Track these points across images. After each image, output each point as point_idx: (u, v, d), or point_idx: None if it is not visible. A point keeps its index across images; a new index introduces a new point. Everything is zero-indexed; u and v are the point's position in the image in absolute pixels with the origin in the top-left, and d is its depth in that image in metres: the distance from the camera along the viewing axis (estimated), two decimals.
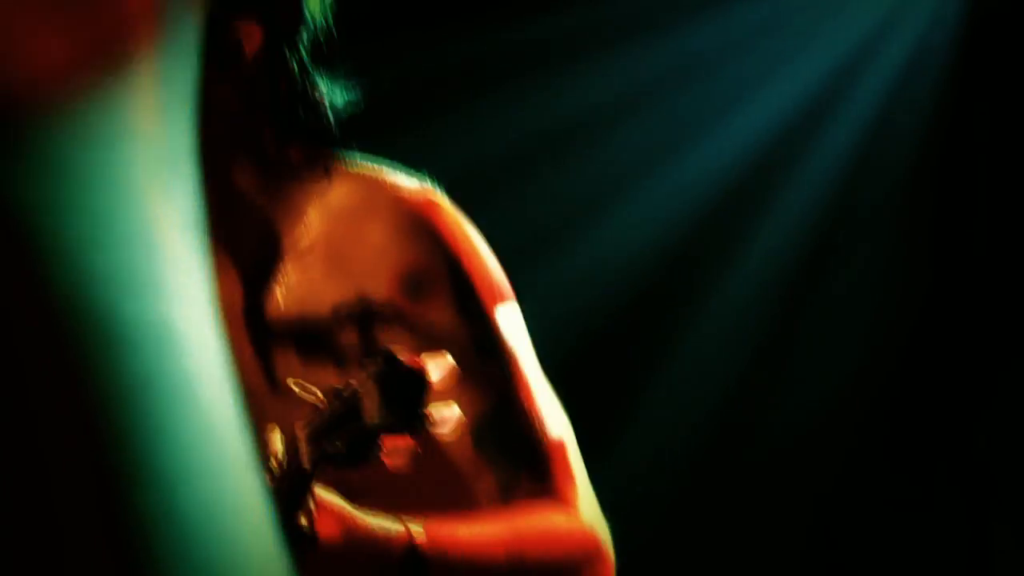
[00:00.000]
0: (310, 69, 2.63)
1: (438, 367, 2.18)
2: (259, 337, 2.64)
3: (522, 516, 2.49)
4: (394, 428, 2.16)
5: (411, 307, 2.52)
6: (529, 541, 2.46)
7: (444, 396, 2.20)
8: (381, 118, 2.74)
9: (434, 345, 2.47)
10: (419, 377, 2.16)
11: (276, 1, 2.59)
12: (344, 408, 2.19)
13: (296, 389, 2.24)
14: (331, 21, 2.67)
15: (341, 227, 2.57)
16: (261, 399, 2.63)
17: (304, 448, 2.21)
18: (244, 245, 2.63)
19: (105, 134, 0.84)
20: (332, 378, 2.52)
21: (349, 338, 2.54)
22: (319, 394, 2.24)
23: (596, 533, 2.53)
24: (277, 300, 2.61)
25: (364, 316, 2.53)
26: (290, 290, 2.60)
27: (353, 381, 2.19)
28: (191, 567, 0.82)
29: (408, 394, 2.15)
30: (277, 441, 2.27)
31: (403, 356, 2.17)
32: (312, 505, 2.25)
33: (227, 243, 2.63)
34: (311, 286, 2.58)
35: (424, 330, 2.52)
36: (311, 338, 2.58)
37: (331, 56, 2.67)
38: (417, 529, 2.35)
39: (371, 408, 2.14)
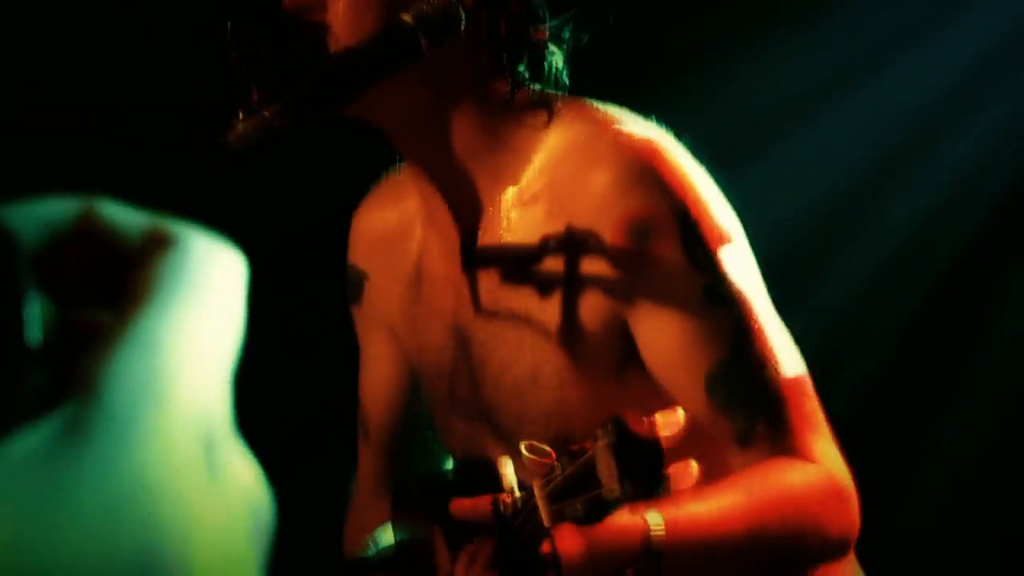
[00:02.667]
0: (532, 7, 2.59)
1: (670, 424, 2.12)
2: (471, 265, 2.62)
3: (759, 481, 2.40)
4: (634, 499, 2.12)
5: (636, 253, 2.46)
6: (769, 508, 2.38)
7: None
8: (603, 58, 2.68)
9: (660, 291, 2.44)
10: (654, 446, 2.11)
11: None
12: (580, 471, 2.16)
13: (527, 453, 2.23)
14: None
15: (564, 171, 2.52)
16: (467, 322, 2.64)
17: (543, 506, 2.19)
18: (465, 182, 2.61)
19: None
20: (535, 302, 2.52)
21: (557, 267, 2.50)
22: (552, 454, 2.22)
23: (836, 478, 2.45)
24: (495, 233, 2.59)
25: (577, 248, 2.49)
26: (510, 228, 2.57)
27: (587, 445, 2.16)
28: None
29: (645, 462, 2.11)
30: (511, 475, 2.27)
31: (634, 422, 2.11)
32: (551, 533, 2.23)
33: (447, 179, 2.61)
34: (532, 226, 2.54)
35: (649, 276, 2.46)
36: (521, 266, 2.55)
37: None
38: (656, 519, 2.30)
39: (607, 475, 2.09)
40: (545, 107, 2.58)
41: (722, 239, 2.49)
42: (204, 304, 0.91)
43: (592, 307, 2.49)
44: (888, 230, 4.78)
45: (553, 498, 2.17)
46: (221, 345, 0.92)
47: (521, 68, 2.58)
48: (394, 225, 2.80)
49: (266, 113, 2.28)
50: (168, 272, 0.91)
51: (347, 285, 2.93)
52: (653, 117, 2.58)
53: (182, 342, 0.89)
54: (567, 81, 2.63)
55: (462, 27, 2.45)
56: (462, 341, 2.65)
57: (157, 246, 0.93)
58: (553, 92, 2.61)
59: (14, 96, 2.22)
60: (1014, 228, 4.68)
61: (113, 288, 0.91)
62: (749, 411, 2.45)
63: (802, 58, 4.73)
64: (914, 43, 4.73)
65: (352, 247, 2.91)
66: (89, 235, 0.94)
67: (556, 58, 2.61)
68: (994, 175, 4.72)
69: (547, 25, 2.59)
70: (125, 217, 0.94)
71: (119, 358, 0.86)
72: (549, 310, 2.52)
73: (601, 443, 2.09)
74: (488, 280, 2.60)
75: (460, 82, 2.56)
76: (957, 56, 4.71)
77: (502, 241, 2.57)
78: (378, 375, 2.91)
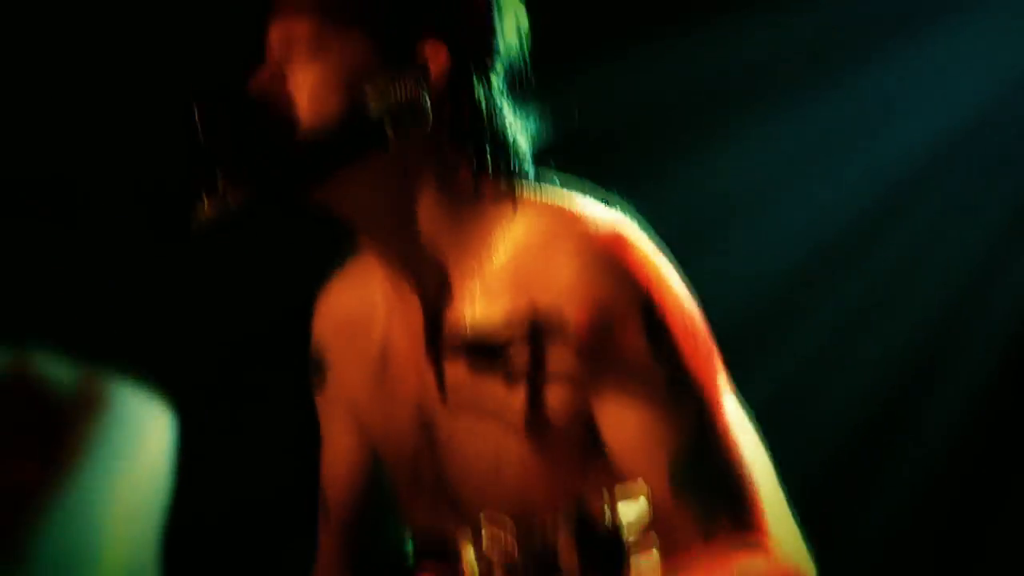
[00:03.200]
0: (498, 96, 2.62)
1: (632, 511, 2.12)
2: (436, 353, 2.62)
3: (720, 571, 2.41)
4: None
5: (601, 343, 2.46)
6: None
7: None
8: (572, 146, 2.70)
9: (624, 380, 2.45)
10: (617, 535, 2.10)
11: (465, 21, 2.59)
12: (541, 559, 2.15)
13: (486, 524, 2.22)
14: (526, 47, 2.66)
15: (529, 260, 2.53)
16: (431, 409, 2.63)
17: None
18: (429, 269, 2.61)
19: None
20: (500, 391, 2.52)
21: (523, 357, 2.50)
22: (511, 525, 2.20)
23: (797, 568, 2.45)
24: (460, 321, 2.59)
25: (543, 337, 2.49)
26: (475, 316, 2.57)
27: (549, 532, 2.15)
28: None
29: (606, 551, 2.10)
30: (471, 559, 2.25)
31: (598, 510, 2.11)
32: None
33: (412, 266, 2.62)
34: (497, 314, 2.54)
35: (614, 367, 2.46)
36: (487, 355, 2.54)
37: (524, 83, 2.66)
38: None
39: (570, 561, 2.09)
40: (510, 197, 2.59)
41: (686, 329, 2.49)
42: (134, 465, 0.90)
43: (557, 396, 2.49)
44: (844, 311, 4.82)
45: None
46: (150, 506, 0.92)
47: (486, 157, 2.59)
48: (358, 310, 2.80)
49: (231, 198, 2.28)
50: (100, 433, 0.90)
51: (310, 369, 2.91)
52: (617, 204, 2.59)
53: (112, 504, 0.88)
54: (532, 170, 2.64)
55: (428, 118, 2.47)
56: (426, 427, 2.65)
57: (89, 405, 0.92)
58: (518, 181, 2.62)
59: None
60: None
61: (44, 444, 0.90)
62: (712, 500, 2.45)
63: (766, 147, 4.78)
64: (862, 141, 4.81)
65: (316, 332, 2.90)
66: (22, 389, 0.93)
67: (521, 147, 2.62)
68: (948, 255, 4.77)
69: (512, 115, 2.61)
70: (58, 371, 0.93)
71: (49, 519, 0.85)
72: (514, 398, 2.52)
73: (564, 531, 2.07)
74: (453, 367, 2.59)
75: (425, 171, 2.57)
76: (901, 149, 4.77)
77: (466, 329, 2.57)
78: (340, 458, 2.89)
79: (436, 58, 2.55)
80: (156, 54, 4.56)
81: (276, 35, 2.59)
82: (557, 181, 2.64)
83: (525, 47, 2.65)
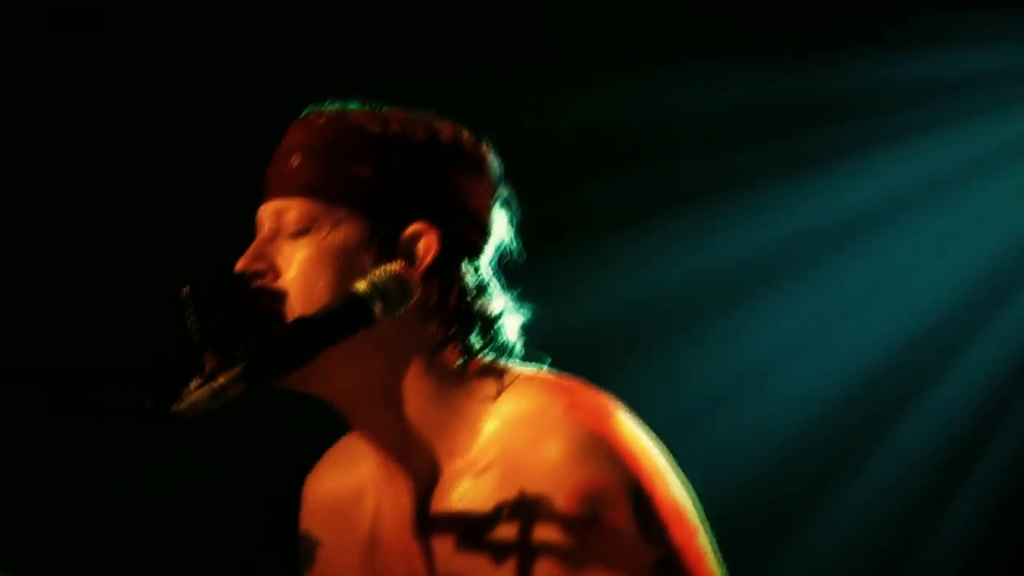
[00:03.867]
0: (487, 282, 2.64)
1: None
2: (425, 532, 2.60)
3: None
4: None
5: (589, 526, 2.44)
6: None
7: None
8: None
9: (612, 562, 2.42)
10: None
11: (456, 205, 2.62)
12: None
13: None
14: (514, 235, 2.69)
15: (516, 441, 2.52)
16: None
17: None
18: (416, 448, 2.60)
19: None
20: (489, 570, 2.48)
21: (511, 536, 2.48)
22: None
23: None
24: (448, 500, 2.57)
25: (530, 517, 2.47)
26: (462, 497, 2.56)
27: None
28: None
29: None
30: None
31: None
32: None
33: (399, 446, 2.61)
34: (485, 495, 2.53)
35: (601, 549, 2.44)
36: (475, 534, 2.52)
37: (511, 269, 2.68)
38: None
39: None
40: (496, 378, 2.60)
41: (674, 511, 2.48)
42: None
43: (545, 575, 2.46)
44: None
45: None
46: None
47: (473, 338, 2.60)
48: (346, 491, 2.78)
49: (221, 380, 2.28)
50: None
51: (299, 551, 2.89)
52: (604, 387, 2.60)
53: None
54: (520, 350, 2.65)
55: (414, 297, 2.48)
56: None
57: None
58: (504, 362, 2.63)
59: None
60: None
61: None
62: None
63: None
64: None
65: (304, 513, 2.88)
66: None
67: (508, 328, 2.63)
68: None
69: (499, 296, 2.63)
70: None
71: None
72: None
73: None
74: (442, 548, 2.57)
75: (413, 352, 2.58)
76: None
77: (455, 511, 2.56)
78: None
79: (426, 240, 2.57)
80: (143, 235, 4.62)
81: (265, 214, 2.61)
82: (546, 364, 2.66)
83: (514, 229, 2.68)
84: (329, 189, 2.57)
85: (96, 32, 4.68)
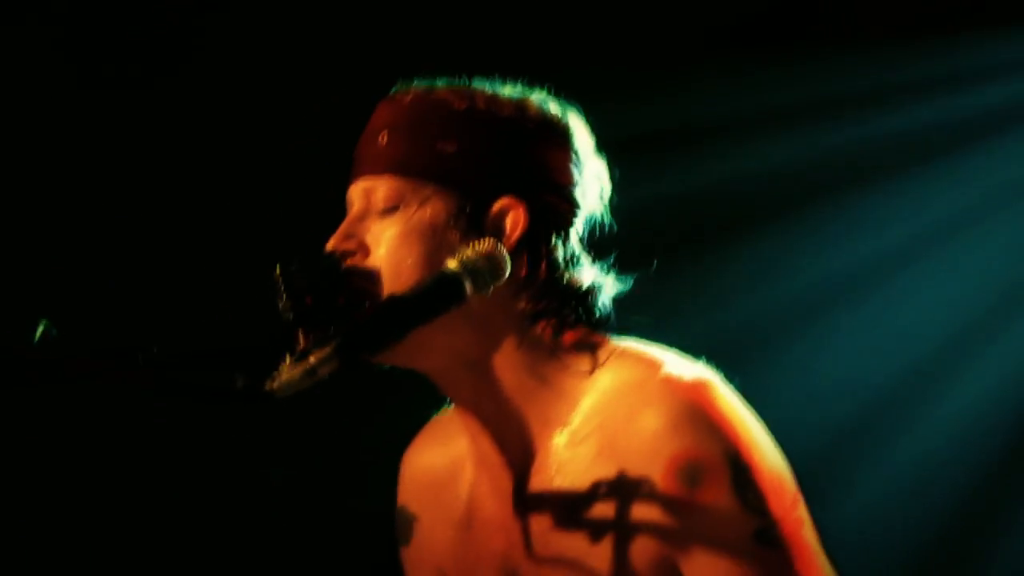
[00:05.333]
0: (576, 254, 2.62)
1: None
2: (522, 508, 2.60)
3: None
4: None
5: (687, 497, 2.42)
6: None
7: None
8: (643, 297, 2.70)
9: (710, 534, 2.40)
10: None
11: (543, 178, 2.60)
12: None
13: None
14: (607, 207, 2.67)
15: (613, 412, 2.50)
16: (517, 564, 2.60)
17: None
18: (513, 423, 2.59)
19: None
20: (587, 544, 2.48)
21: (609, 510, 2.47)
22: None
23: None
24: (546, 475, 2.56)
25: (628, 490, 2.46)
26: (560, 470, 2.54)
27: None
28: None
29: None
30: None
31: None
32: None
33: (495, 421, 2.60)
34: (583, 469, 2.51)
35: (699, 520, 2.42)
36: (573, 509, 2.51)
37: (603, 240, 2.66)
38: None
39: None
40: (591, 351, 2.57)
41: (772, 482, 2.45)
42: None
43: (643, 550, 2.45)
44: None
45: None
46: None
47: (564, 311, 2.58)
48: (443, 467, 2.78)
49: (312, 359, 2.28)
50: None
51: (396, 526, 2.89)
52: (702, 358, 2.57)
53: None
54: (613, 321, 2.63)
55: (506, 273, 2.47)
56: None
57: None
58: (599, 334, 2.60)
59: (56, 342, 2.23)
60: None
61: None
62: None
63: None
64: None
65: (401, 489, 2.89)
66: None
67: (600, 300, 2.61)
68: None
69: (590, 268, 2.60)
70: None
71: None
72: (601, 554, 2.48)
73: None
74: (540, 523, 2.56)
75: (505, 327, 2.57)
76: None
77: (553, 484, 2.54)
78: None
79: (514, 215, 2.55)
80: (235, 216, 4.66)
81: (355, 193, 2.61)
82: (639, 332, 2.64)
83: (605, 198, 2.66)
84: (416, 166, 2.56)
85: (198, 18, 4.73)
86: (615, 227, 2.66)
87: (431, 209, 2.55)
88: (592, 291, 2.61)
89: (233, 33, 4.75)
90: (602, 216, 2.66)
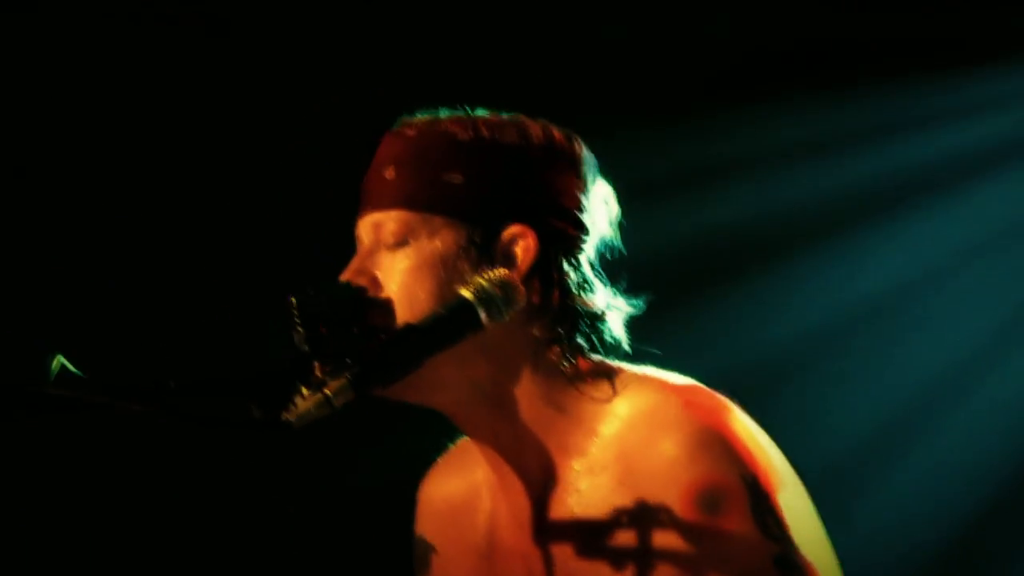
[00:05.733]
0: (588, 279, 2.61)
1: None
2: (543, 536, 2.59)
3: None
4: None
5: (706, 523, 2.41)
6: None
7: None
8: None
9: (731, 560, 2.39)
10: None
11: (551, 205, 2.59)
12: None
13: None
14: (616, 230, 2.67)
15: (631, 440, 2.49)
16: None
17: None
18: (530, 451, 2.58)
19: None
20: (608, 572, 2.47)
21: (629, 537, 2.46)
22: None
23: None
24: (566, 503, 2.55)
25: (648, 516, 2.45)
26: (580, 499, 2.54)
27: None
28: None
29: None
30: None
31: None
32: None
33: (512, 449, 2.60)
34: (602, 497, 2.50)
35: (719, 546, 2.41)
36: (594, 536, 2.51)
37: (614, 264, 2.66)
38: None
39: None
40: (608, 378, 2.57)
41: (792, 508, 2.44)
42: None
43: (663, 574, 2.44)
44: None
45: None
46: None
47: (579, 337, 2.58)
48: (461, 496, 2.77)
49: (328, 390, 2.28)
50: None
51: (414, 556, 2.89)
52: (717, 386, 2.56)
53: None
54: (627, 348, 2.63)
55: (521, 301, 2.47)
56: None
57: None
58: (613, 361, 2.60)
59: (72, 376, 2.24)
60: None
61: None
62: None
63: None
64: None
65: (419, 518, 2.88)
66: None
67: (613, 322, 2.61)
68: None
69: (602, 292, 2.61)
70: None
71: None
72: None
73: None
74: (560, 552, 2.55)
75: (520, 355, 2.57)
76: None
77: (573, 513, 2.54)
78: None
79: (524, 243, 2.55)
80: (249, 246, 4.66)
81: (364, 228, 2.61)
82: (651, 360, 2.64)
83: (614, 221, 2.66)
84: (423, 199, 2.56)
85: (213, 39, 4.74)
86: (624, 252, 2.66)
87: (441, 241, 2.55)
88: (604, 315, 2.60)
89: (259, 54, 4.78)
90: (611, 239, 2.66)
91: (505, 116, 2.63)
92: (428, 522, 2.85)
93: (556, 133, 2.62)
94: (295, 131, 4.77)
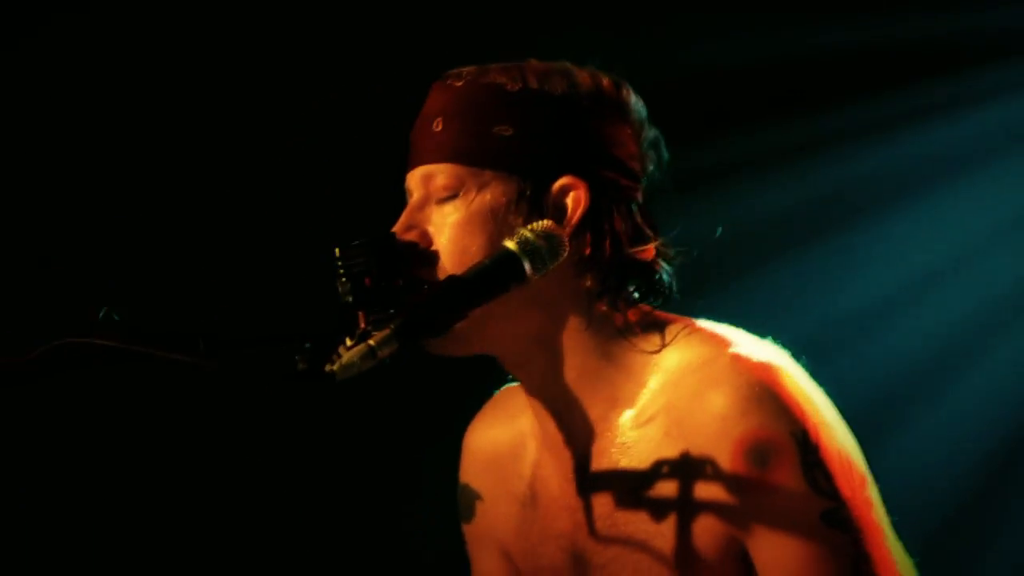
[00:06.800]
0: (639, 228, 2.59)
1: None
2: (587, 486, 2.59)
3: None
4: None
5: (755, 477, 2.40)
6: None
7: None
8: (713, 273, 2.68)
9: (778, 515, 2.39)
10: None
11: (602, 156, 2.56)
12: None
13: None
14: (665, 178, 2.64)
15: (681, 392, 2.48)
16: (583, 543, 2.59)
17: None
18: (578, 402, 2.58)
19: None
20: (652, 524, 2.48)
21: (674, 490, 2.46)
22: None
23: None
24: (611, 454, 2.55)
25: (694, 469, 2.44)
26: (626, 450, 2.53)
27: None
28: None
29: None
30: None
31: None
32: None
33: (560, 400, 2.59)
34: (649, 449, 2.50)
35: (767, 500, 2.40)
36: (638, 488, 2.50)
37: (664, 212, 2.64)
38: None
39: None
40: (658, 330, 2.56)
41: (841, 462, 2.42)
42: None
43: (708, 531, 2.44)
44: None
45: None
46: None
47: (630, 288, 2.57)
48: (506, 444, 2.77)
49: (372, 341, 2.27)
50: None
51: (459, 502, 2.89)
52: (769, 337, 2.54)
53: None
54: (677, 297, 2.61)
55: (565, 252, 2.45)
56: (579, 564, 2.60)
57: None
58: (664, 313, 2.58)
59: (118, 326, 2.25)
60: None
61: None
62: None
63: None
64: None
65: (464, 465, 2.88)
66: None
67: (663, 273, 2.59)
68: None
69: (654, 244, 2.59)
70: None
71: None
72: (666, 534, 2.47)
73: None
74: (605, 504, 2.55)
75: (572, 307, 2.55)
76: None
77: (618, 464, 2.53)
78: None
79: (575, 194, 2.53)
80: (295, 199, 4.67)
81: (413, 181, 2.59)
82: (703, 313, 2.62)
83: (664, 167, 2.63)
84: (473, 152, 2.54)
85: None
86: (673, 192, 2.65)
87: (491, 194, 2.53)
88: (655, 265, 2.58)
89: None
90: (662, 184, 2.64)
91: (553, 64, 2.60)
92: (473, 470, 2.85)
93: (605, 80, 2.59)
94: (343, 86, 4.76)
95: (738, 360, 2.46)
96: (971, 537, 4.91)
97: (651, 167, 2.61)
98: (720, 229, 2.74)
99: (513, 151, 2.53)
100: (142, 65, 4.65)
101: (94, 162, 4.62)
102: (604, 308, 2.55)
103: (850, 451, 2.46)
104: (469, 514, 2.86)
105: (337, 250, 2.47)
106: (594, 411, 2.56)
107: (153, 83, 4.66)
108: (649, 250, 2.58)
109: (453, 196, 2.54)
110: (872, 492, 2.45)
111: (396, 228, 2.56)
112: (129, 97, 4.65)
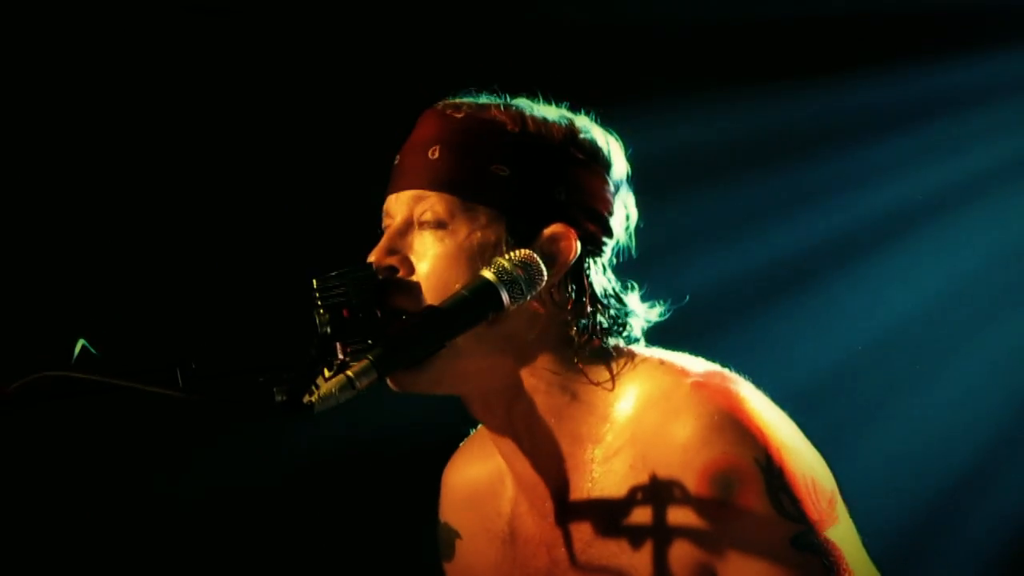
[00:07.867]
0: (610, 279, 2.63)
1: None
2: (566, 526, 2.60)
3: None
4: None
5: (721, 504, 2.41)
6: None
7: None
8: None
9: (746, 539, 2.40)
10: None
11: (588, 211, 2.60)
12: None
13: None
14: (631, 235, 2.68)
15: (644, 424, 2.50)
16: (562, 572, 2.60)
17: None
18: (549, 438, 2.59)
19: None
20: (626, 552, 2.49)
21: (646, 518, 2.47)
22: None
23: None
24: (585, 493, 2.56)
25: (663, 497, 2.45)
26: (596, 485, 2.54)
27: None
28: None
29: None
30: None
31: None
32: None
33: (531, 444, 2.61)
34: (618, 480, 2.52)
35: (735, 526, 2.41)
36: (610, 525, 2.52)
37: (626, 266, 2.67)
38: None
39: None
40: (619, 363, 2.58)
41: (807, 485, 2.44)
42: None
43: (681, 557, 2.45)
44: None
45: None
46: None
47: (599, 333, 2.59)
48: (484, 482, 2.78)
49: (351, 372, 2.28)
50: None
51: (439, 542, 2.89)
52: (728, 364, 2.57)
53: None
54: (638, 334, 2.64)
55: (543, 282, 2.47)
56: None
57: None
58: (626, 346, 2.61)
59: (95, 360, 2.25)
60: None
61: None
62: None
63: None
64: None
65: (443, 505, 2.89)
66: None
67: (632, 316, 2.63)
68: None
69: (620, 292, 2.63)
70: None
71: None
72: (641, 561, 2.48)
73: None
74: (580, 538, 2.57)
75: (540, 347, 2.58)
76: None
77: (589, 498, 2.55)
78: None
79: (566, 243, 2.55)
80: (272, 229, 4.67)
81: (398, 203, 2.60)
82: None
83: (631, 227, 2.67)
84: (469, 186, 2.55)
85: (232, 25, 4.75)
86: (634, 255, 2.68)
87: (481, 232, 2.55)
88: (624, 314, 2.61)
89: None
90: (626, 245, 2.67)
91: (550, 110, 2.63)
92: (452, 508, 2.86)
93: (597, 135, 2.63)
94: (320, 114, 4.78)
95: (698, 389, 2.48)
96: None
97: (626, 225, 2.66)
98: (687, 297, 2.76)
99: (509, 191, 2.55)
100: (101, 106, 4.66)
101: (71, 192, 4.62)
102: (573, 351, 2.58)
103: (815, 472, 2.47)
104: (449, 552, 2.86)
105: (315, 281, 2.48)
106: (561, 449, 2.58)
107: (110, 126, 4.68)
108: (617, 299, 2.62)
109: (440, 225, 2.55)
110: (841, 510, 2.47)
111: (375, 252, 2.57)
112: (101, 132, 4.66)
